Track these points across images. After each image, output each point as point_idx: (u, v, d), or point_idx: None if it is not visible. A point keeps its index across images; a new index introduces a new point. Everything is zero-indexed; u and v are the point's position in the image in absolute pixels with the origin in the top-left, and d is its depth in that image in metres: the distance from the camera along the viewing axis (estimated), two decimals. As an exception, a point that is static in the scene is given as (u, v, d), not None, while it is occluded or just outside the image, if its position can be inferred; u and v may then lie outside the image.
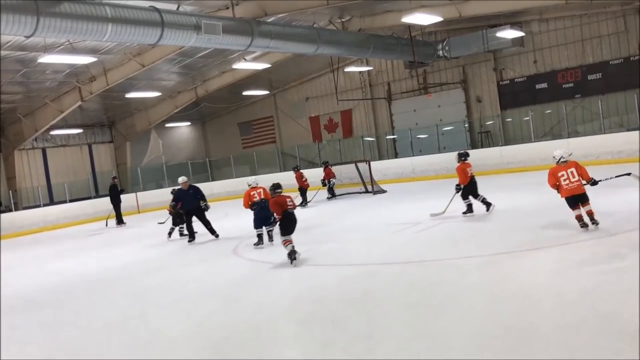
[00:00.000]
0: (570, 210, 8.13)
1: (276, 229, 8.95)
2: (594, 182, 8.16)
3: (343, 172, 19.09)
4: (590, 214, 7.95)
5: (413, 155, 22.62)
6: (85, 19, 11.05)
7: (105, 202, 20.30)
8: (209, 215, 12.51)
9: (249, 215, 10.96)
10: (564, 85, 20.79)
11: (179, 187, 12.84)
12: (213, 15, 14.43)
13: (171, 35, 12.63)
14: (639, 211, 8.26)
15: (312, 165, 24.76)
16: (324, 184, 18.29)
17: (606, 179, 8.35)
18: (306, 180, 17.60)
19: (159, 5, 12.77)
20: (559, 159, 8.20)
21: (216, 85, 24.84)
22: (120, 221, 19.19)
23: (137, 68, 18.67)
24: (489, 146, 21.70)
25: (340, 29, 19.65)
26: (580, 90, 20.45)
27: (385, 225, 11.27)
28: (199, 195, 12.35)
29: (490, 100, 22.75)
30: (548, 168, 8.43)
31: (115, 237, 16.18)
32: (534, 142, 19.73)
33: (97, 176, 27.04)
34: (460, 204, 10.88)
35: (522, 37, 20.78)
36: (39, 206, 22.63)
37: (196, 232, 12.53)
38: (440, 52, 22.03)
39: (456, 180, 10.90)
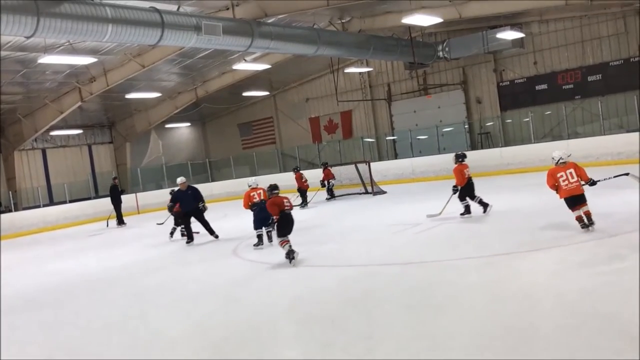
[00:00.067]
0: (570, 211, 8.15)
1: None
2: (592, 183, 8.19)
3: (343, 173, 19.10)
4: (587, 214, 7.98)
5: (413, 156, 22.63)
6: (85, 19, 11.05)
7: (105, 203, 20.31)
8: (208, 215, 12.51)
9: (249, 216, 10.97)
10: (564, 87, 20.80)
11: (178, 187, 12.82)
12: (213, 16, 14.44)
13: (171, 36, 12.64)
14: (639, 212, 8.27)
15: (312, 166, 24.76)
16: (323, 185, 18.30)
17: (604, 179, 8.37)
18: (306, 181, 17.61)
19: (159, 5, 12.78)
20: (558, 160, 8.23)
21: (216, 86, 24.85)
22: (120, 221, 19.20)
23: (137, 69, 18.68)
24: (489, 147, 21.70)
25: (340, 30, 19.68)
26: (580, 91, 20.46)
27: (385, 226, 11.28)
28: (197, 196, 12.34)
29: (490, 102, 22.77)
30: (548, 169, 8.44)
31: (115, 238, 16.18)
32: (534, 143, 19.76)
33: (96, 177, 27.03)
34: (457, 205, 10.88)
35: (522, 38, 20.79)
36: (38, 207, 22.64)
37: (197, 233, 12.53)
38: (440, 53, 22.05)
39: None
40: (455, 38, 21.81)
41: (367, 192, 18.38)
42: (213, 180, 27.84)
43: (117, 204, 19.10)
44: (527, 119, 20.87)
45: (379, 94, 25.83)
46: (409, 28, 19.93)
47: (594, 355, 4.07)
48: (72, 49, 15.50)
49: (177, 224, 13.34)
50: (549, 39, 21.05)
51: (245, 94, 27.05)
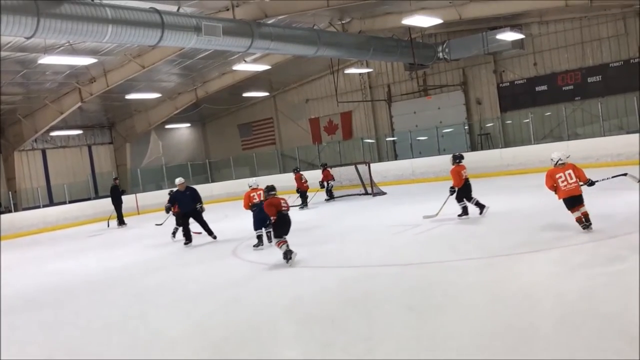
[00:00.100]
0: (569, 212, 8.17)
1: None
2: (591, 183, 8.23)
3: (343, 173, 19.10)
4: (585, 215, 8.00)
5: (413, 157, 22.63)
6: (85, 20, 11.06)
7: (105, 204, 20.31)
8: (208, 216, 12.50)
9: (249, 216, 10.97)
10: (563, 88, 20.81)
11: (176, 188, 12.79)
12: (213, 17, 14.45)
13: (171, 36, 12.65)
14: (639, 213, 8.28)
15: (312, 167, 24.76)
16: (322, 186, 18.30)
17: (603, 180, 8.41)
18: (306, 182, 17.60)
19: (159, 6, 12.79)
20: (557, 161, 8.27)
21: (216, 87, 24.85)
22: (121, 222, 19.20)
23: (137, 69, 18.68)
24: (489, 148, 21.70)
25: (340, 31, 19.70)
26: (580, 92, 20.47)
27: (385, 227, 11.28)
28: (195, 197, 12.31)
29: (490, 103, 22.78)
30: (547, 170, 8.46)
31: (115, 238, 16.18)
32: (534, 144, 19.78)
33: (96, 177, 27.03)
34: (455, 206, 10.88)
35: (522, 39, 20.81)
36: (38, 207, 22.63)
37: (200, 233, 12.50)
38: (440, 54, 22.08)
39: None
40: (455, 39, 21.84)
41: (367, 193, 18.38)
42: (213, 181, 27.83)
43: (117, 204, 19.10)
44: (527, 120, 20.87)
45: (379, 95, 25.84)
46: (409, 29, 19.94)
47: (594, 355, 4.08)
48: (72, 49, 15.50)
49: (178, 224, 13.32)
50: (548, 40, 21.06)
51: (245, 94, 27.06)
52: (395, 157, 24.94)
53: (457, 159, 10.90)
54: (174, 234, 13.38)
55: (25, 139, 22.90)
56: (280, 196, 8.85)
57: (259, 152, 28.65)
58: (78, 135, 26.28)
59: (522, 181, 15.81)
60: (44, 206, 22.90)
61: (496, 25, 20.13)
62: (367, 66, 25.00)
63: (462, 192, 10.77)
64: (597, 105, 18.96)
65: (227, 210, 19.00)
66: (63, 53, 15.55)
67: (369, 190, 18.33)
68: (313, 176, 19.08)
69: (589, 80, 20.26)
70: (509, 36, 19.86)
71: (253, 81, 24.67)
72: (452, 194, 10.84)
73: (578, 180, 8.09)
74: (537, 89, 21.44)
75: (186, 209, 12.24)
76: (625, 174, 8.40)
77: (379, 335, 5.14)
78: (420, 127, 24.05)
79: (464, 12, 18.36)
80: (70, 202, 23.32)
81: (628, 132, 17.89)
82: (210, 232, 12.31)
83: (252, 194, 10.95)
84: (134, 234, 16.50)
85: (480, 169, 18.19)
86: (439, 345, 4.66)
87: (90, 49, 16.46)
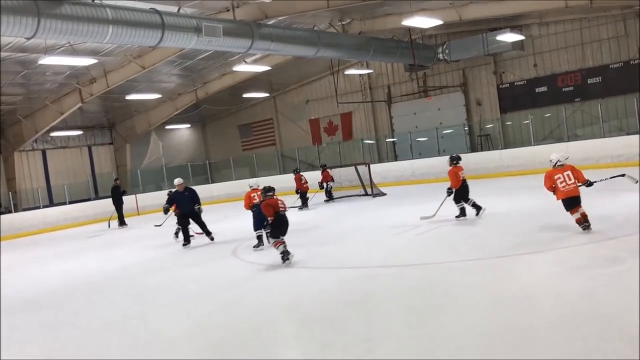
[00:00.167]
0: (568, 213, 8.17)
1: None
2: (589, 184, 8.27)
3: (343, 174, 19.11)
4: (583, 216, 8.01)
5: (413, 158, 22.64)
6: (86, 20, 11.07)
7: (105, 204, 20.33)
8: (208, 217, 12.49)
9: (249, 217, 10.98)
10: (563, 89, 20.83)
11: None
12: (214, 18, 14.47)
13: (172, 37, 12.66)
14: (638, 214, 8.28)
15: (312, 167, 24.77)
16: (321, 187, 18.31)
17: (601, 180, 8.44)
18: (306, 182, 17.60)
19: (159, 7, 12.81)
20: (556, 163, 8.29)
21: (216, 88, 24.87)
22: (122, 222, 19.21)
23: (137, 70, 18.70)
24: (489, 149, 21.71)
25: (340, 32, 19.72)
26: (580, 93, 20.49)
27: (385, 228, 11.28)
28: (194, 198, 12.26)
29: (490, 104, 22.79)
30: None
31: (115, 239, 16.19)
32: (534, 145, 19.77)
33: (96, 178, 27.05)
34: (452, 208, 10.88)
35: (522, 40, 20.83)
36: (38, 208, 22.64)
37: (201, 234, 12.50)
38: (441, 55, 22.09)
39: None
40: (455, 40, 21.85)
41: (366, 194, 18.37)
42: (213, 182, 27.82)
43: (118, 205, 19.11)
44: (527, 121, 20.86)
45: (379, 95, 25.86)
46: (409, 30, 19.96)
47: (593, 355, 4.08)
48: (73, 50, 15.52)
49: (179, 223, 13.31)
50: (548, 41, 21.08)
51: (245, 95, 27.06)
52: (395, 158, 24.95)
53: (455, 160, 10.89)
54: (176, 234, 13.32)
55: (26, 140, 22.93)
56: (278, 197, 8.85)
57: (259, 153, 28.66)
58: (78, 135, 26.30)
59: (522, 182, 15.81)
60: (44, 207, 22.92)
61: (496, 26, 20.15)
62: (367, 67, 25.02)
63: (460, 193, 10.76)
64: (597, 107, 18.97)
65: (227, 211, 19.01)
66: (63, 54, 15.57)
67: (369, 191, 18.33)
68: (313, 177, 19.08)
69: (589, 81, 20.27)
70: (509, 37, 19.88)
71: (253, 82, 24.69)
72: (449, 195, 10.84)
73: (576, 181, 8.11)
74: (537, 90, 21.46)
75: (184, 209, 12.21)
76: (623, 175, 8.44)
77: (378, 335, 5.14)
78: (420, 128, 24.06)
79: (464, 13, 18.38)
80: (70, 202, 23.34)
81: (628, 134, 17.91)
82: (208, 233, 12.29)
83: (252, 195, 10.96)
84: (133, 235, 16.50)
85: (480, 170, 18.23)
86: (439, 346, 4.66)
87: (90, 49, 16.47)
